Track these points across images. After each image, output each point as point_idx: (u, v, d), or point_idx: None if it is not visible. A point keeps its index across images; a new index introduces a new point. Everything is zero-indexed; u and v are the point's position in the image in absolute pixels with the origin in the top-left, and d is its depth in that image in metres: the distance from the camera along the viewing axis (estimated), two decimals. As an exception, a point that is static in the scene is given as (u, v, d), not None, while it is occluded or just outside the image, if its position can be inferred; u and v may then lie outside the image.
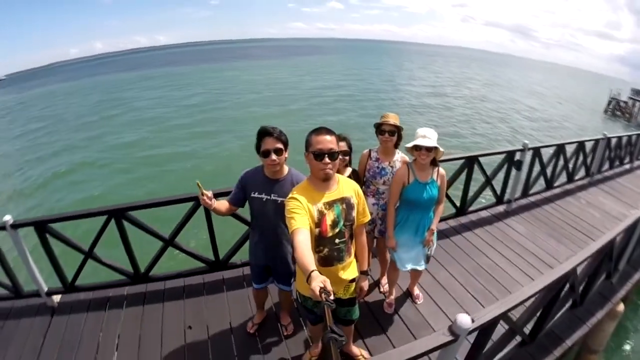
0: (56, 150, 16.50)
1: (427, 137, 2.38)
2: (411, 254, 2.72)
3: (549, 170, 5.10)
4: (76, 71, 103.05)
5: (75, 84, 55.68)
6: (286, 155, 2.16)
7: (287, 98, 25.50)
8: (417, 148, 2.40)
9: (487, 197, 5.01)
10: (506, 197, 4.72)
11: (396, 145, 2.70)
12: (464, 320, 1.64)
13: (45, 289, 3.33)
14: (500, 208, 4.74)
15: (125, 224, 3.25)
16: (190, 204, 3.28)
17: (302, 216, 1.69)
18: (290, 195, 1.77)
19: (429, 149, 2.39)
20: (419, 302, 3.17)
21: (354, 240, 2.01)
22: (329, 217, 1.81)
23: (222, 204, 2.35)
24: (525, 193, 4.92)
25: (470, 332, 1.72)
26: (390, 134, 2.61)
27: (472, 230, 4.31)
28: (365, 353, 2.63)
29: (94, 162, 14.20)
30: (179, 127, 18.77)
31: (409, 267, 2.74)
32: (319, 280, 1.30)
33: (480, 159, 4.19)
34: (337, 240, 1.87)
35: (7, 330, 3.10)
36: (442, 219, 4.38)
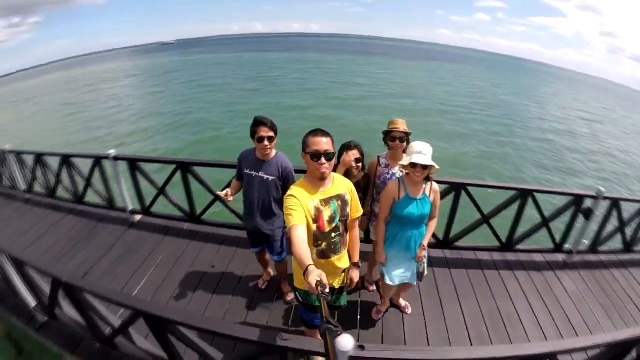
0: (205, 115, 18.03)
1: (422, 153, 2.26)
2: (400, 270, 2.68)
3: (629, 230, 4.13)
4: (235, 45, 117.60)
5: (232, 56, 63.54)
6: (275, 142, 2.54)
7: (421, 103, 23.16)
8: (412, 165, 2.28)
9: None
10: (567, 246, 4.06)
11: (404, 150, 2.72)
12: (345, 342, 1.42)
13: (130, 208, 4.44)
14: (559, 257, 4.08)
15: (190, 176, 4.08)
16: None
17: (299, 213, 1.79)
18: (288, 193, 1.89)
19: (424, 167, 2.27)
20: (408, 312, 3.16)
21: (347, 233, 2.13)
22: (326, 213, 1.92)
23: (234, 186, 2.82)
24: (594, 248, 4.08)
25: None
26: (400, 141, 2.65)
27: (514, 270, 3.88)
28: None
29: (226, 133, 14.66)
30: (320, 119, 17.13)
31: (397, 282, 2.70)
32: (315, 274, 1.38)
33: (537, 195, 3.70)
34: (333, 235, 1.98)
35: (97, 229, 4.40)
36: (486, 249, 4.10)
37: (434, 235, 3.73)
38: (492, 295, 3.52)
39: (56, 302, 2.53)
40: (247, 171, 2.64)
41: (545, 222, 3.87)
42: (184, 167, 4.04)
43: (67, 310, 2.61)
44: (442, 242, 3.96)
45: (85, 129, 17.95)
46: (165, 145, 13.78)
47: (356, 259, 2.23)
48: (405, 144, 2.65)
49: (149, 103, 23.21)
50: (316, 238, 1.95)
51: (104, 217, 4.64)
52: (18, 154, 5.65)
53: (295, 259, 1.65)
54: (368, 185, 2.86)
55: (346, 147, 2.62)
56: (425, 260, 2.69)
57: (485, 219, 3.85)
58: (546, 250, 4.14)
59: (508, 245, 4.04)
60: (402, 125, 2.65)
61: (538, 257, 4.10)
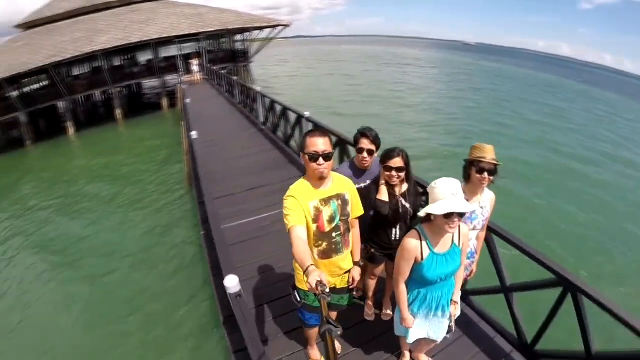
0: (473, 128, 16.80)
1: (458, 195, 1.76)
2: (425, 328, 2.24)
3: None
4: (535, 62, 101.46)
5: (527, 73, 55.38)
6: (376, 155, 2.57)
7: None
8: (447, 215, 1.75)
9: None
10: None
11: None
12: (229, 281, 2.00)
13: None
14: None
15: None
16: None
17: (297, 214, 1.81)
18: (287, 194, 1.90)
19: (462, 214, 1.77)
20: None
21: (350, 233, 2.12)
22: (326, 213, 1.93)
23: None
24: None
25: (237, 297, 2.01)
26: (490, 174, 2.20)
27: None
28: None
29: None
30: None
31: (416, 339, 2.29)
32: (315, 275, 1.41)
33: None
34: (334, 234, 1.99)
35: (284, 167, 6.19)
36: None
37: (517, 330, 2.79)
38: None
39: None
40: None
41: None
42: (343, 144, 4.86)
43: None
44: (524, 346, 2.77)
45: (348, 101, 21.11)
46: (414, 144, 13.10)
47: (357, 257, 2.24)
48: (493, 177, 2.23)
49: (426, 97, 24.18)
50: (316, 238, 1.97)
51: (294, 160, 6.42)
52: (263, 96, 8.79)
53: (296, 260, 1.68)
54: (416, 209, 2.43)
55: (388, 156, 2.33)
56: (456, 314, 2.25)
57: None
58: None
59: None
60: (490, 153, 2.19)
61: None
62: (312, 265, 1.51)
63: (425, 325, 2.21)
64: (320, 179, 1.90)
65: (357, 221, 2.16)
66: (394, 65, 47.76)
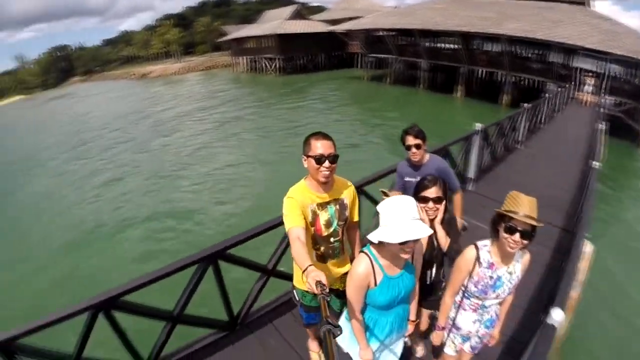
0: None
1: (418, 219, 1.56)
2: (387, 357, 2.01)
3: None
4: None
5: None
6: (425, 148, 2.62)
7: None
8: (402, 242, 1.52)
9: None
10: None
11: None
12: None
13: (470, 175, 6.02)
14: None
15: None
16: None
17: (296, 215, 1.80)
18: (287, 195, 1.88)
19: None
20: None
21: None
22: (323, 217, 1.90)
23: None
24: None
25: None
26: (525, 236, 1.64)
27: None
28: None
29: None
30: None
31: None
32: (315, 275, 1.41)
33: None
34: (332, 239, 1.97)
35: None
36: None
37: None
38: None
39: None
40: (407, 179, 2.72)
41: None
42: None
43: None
44: None
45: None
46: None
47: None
48: (528, 241, 1.66)
49: None
50: (315, 241, 1.97)
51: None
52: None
53: (295, 260, 1.66)
54: (431, 259, 2.14)
55: (422, 185, 2.06)
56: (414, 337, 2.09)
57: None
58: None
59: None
60: (525, 208, 1.63)
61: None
62: (311, 265, 1.50)
63: (385, 354, 1.99)
64: (323, 182, 1.86)
65: (356, 224, 2.13)
66: None
